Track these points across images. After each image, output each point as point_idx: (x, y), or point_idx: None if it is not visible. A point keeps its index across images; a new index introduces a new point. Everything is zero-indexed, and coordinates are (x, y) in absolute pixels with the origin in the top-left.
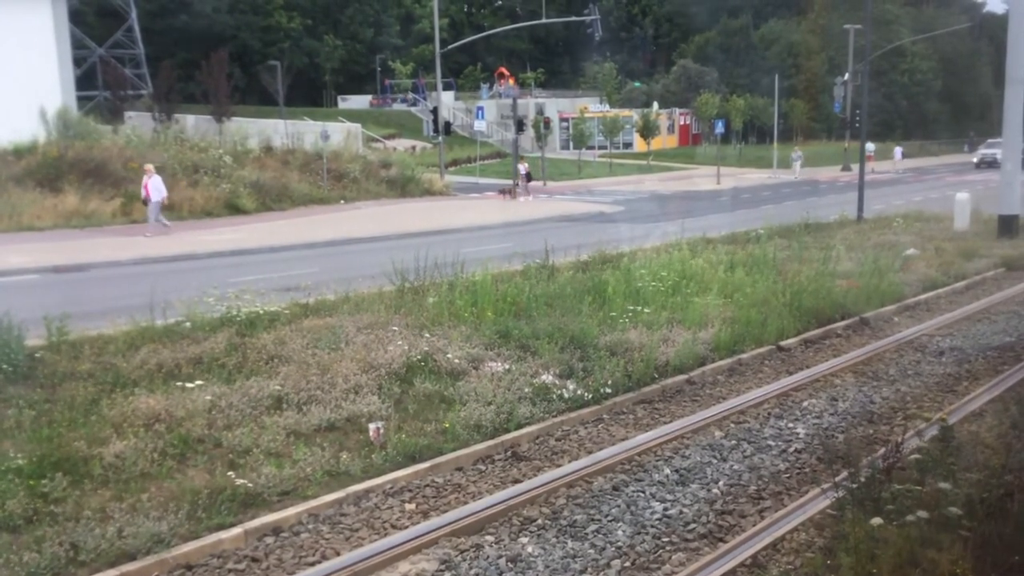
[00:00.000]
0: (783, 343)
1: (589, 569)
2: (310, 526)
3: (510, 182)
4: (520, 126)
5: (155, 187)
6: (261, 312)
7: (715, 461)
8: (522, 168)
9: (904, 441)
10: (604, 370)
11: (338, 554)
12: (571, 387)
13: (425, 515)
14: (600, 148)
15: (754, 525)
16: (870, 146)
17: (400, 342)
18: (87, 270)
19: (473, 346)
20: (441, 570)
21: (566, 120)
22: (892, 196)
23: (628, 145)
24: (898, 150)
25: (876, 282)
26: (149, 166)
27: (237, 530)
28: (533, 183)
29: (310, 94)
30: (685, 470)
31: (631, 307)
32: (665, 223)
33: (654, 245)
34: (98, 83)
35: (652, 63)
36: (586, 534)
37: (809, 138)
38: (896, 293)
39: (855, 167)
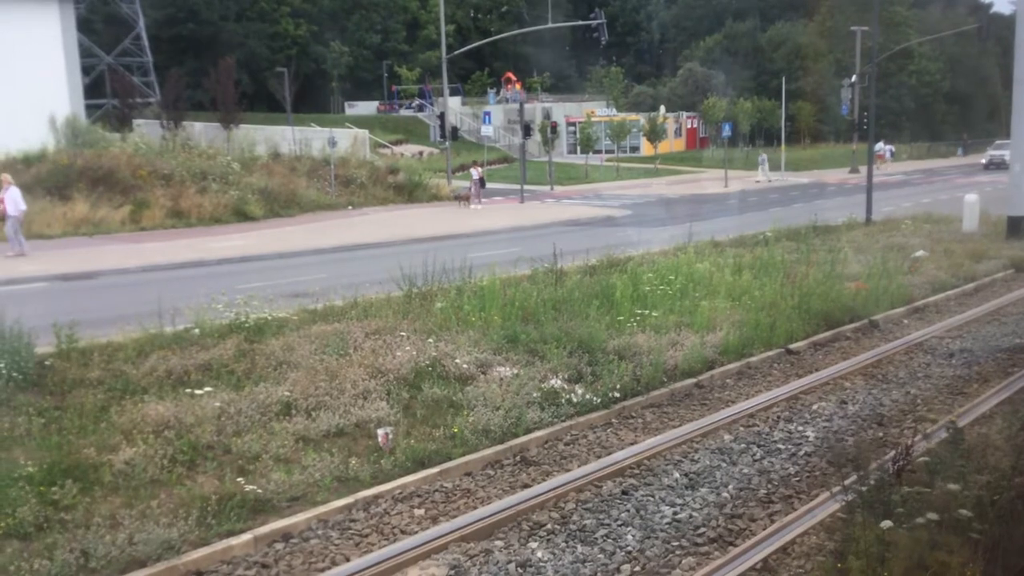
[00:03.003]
0: (792, 346)
1: (599, 574)
2: (320, 532)
3: (517, 186)
4: (527, 131)
5: (11, 200)
6: (269, 318)
7: (724, 465)
8: (475, 173)
9: (914, 444)
10: (612, 374)
11: (348, 560)
12: (580, 391)
13: (434, 520)
14: (607, 152)
15: (764, 529)
16: (880, 146)
17: (408, 347)
18: (96, 277)
19: (481, 351)
20: (451, 575)
21: (573, 124)
22: (901, 198)
23: (635, 149)
24: (888, 148)
25: (885, 284)
26: (6, 176)
27: (247, 536)
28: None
29: (317, 100)
30: (695, 474)
31: (639, 311)
32: (672, 227)
33: (662, 249)
34: (106, 91)
35: (658, 67)
36: (596, 539)
37: (817, 140)
38: (905, 295)
39: (863, 169)
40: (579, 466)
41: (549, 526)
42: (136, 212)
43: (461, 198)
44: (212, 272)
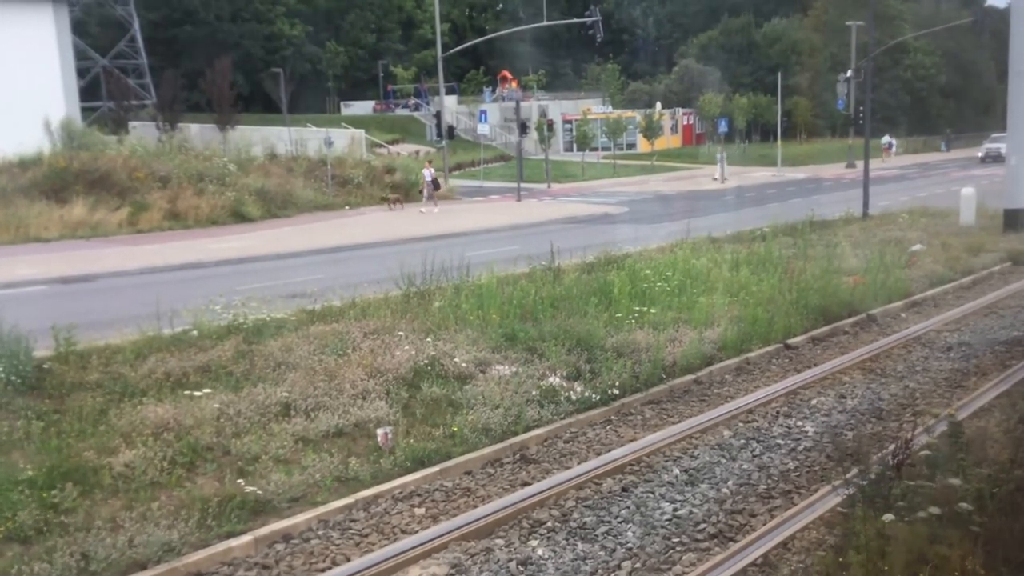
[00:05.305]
0: (790, 341)
1: (599, 571)
2: (320, 532)
3: (514, 184)
4: (523, 129)
5: None
6: (268, 319)
7: (724, 461)
8: (427, 174)
9: (913, 438)
10: (611, 371)
11: (348, 560)
12: (579, 389)
13: (435, 519)
14: (604, 149)
15: (764, 524)
16: (885, 139)
17: (407, 347)
18: (94, 280)
19: (480, 350)
20: (452, 574)
21: (569, 122)
22: (897, 192)
23: (632, 146)
24: (891, 141)
25: (883, 278)
26: None
27: (247, 537)
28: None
29: (313, 100)
30: (694, 470)
31: (637, 308)
32: (670, 223)
33: (659, 245)
34: (102, 94)
35: (654, 63)
36: (596, 536)
37: (813, 135)
38: (903, 289)
39: (860, 164)
40: (579, 463)
41: (549, 524)
42: (133, 214)
43: (392, 202)
44: (210, 274)
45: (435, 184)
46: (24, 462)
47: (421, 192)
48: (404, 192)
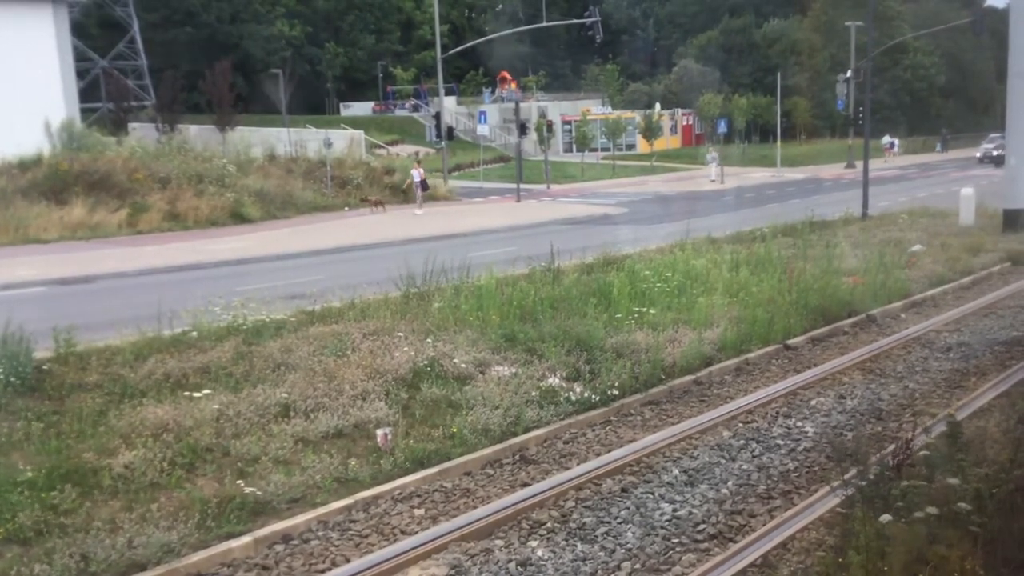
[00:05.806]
0: (790, 342)
1: (599, 572)
2: (320, 533)
3: (513, 185)
4: (523, 130)
5: None
6: (267, 320)
7: (724, 461)
8: (416, 174)
9: (913, 438)
10: (611, 372)
11: (348, 561)
12: (578, 390)
13: (434, 520)
14: (603, 150)
15: (764, 525)
16: (887, 139)
17: (406, 348)
18: (94, 281)
19: (479, 350)
20: (451, 575)
21: (569, 123)
22: (897, 193)
23: (631, 147)
24: (892, 141)
25: (882, 279)
26: None
27: (247, 538)
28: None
29: (313, 101)
30: (694, 471)
31: (636, 308)
32: (669, 224)
33: (659, 246)
34: (101, 95)
35: (654, 64)
36: (596, 536)
37: (812, 136)
38: (903, 289)
39: (859, 164)
40: (578, 464)
41: (549, 524)
42: (133, 215)
43: (374, 203)
44: (209, 275)
45: (423, 185)
46: (24, 463)
47: (405, 191)
48: (404, 193)
